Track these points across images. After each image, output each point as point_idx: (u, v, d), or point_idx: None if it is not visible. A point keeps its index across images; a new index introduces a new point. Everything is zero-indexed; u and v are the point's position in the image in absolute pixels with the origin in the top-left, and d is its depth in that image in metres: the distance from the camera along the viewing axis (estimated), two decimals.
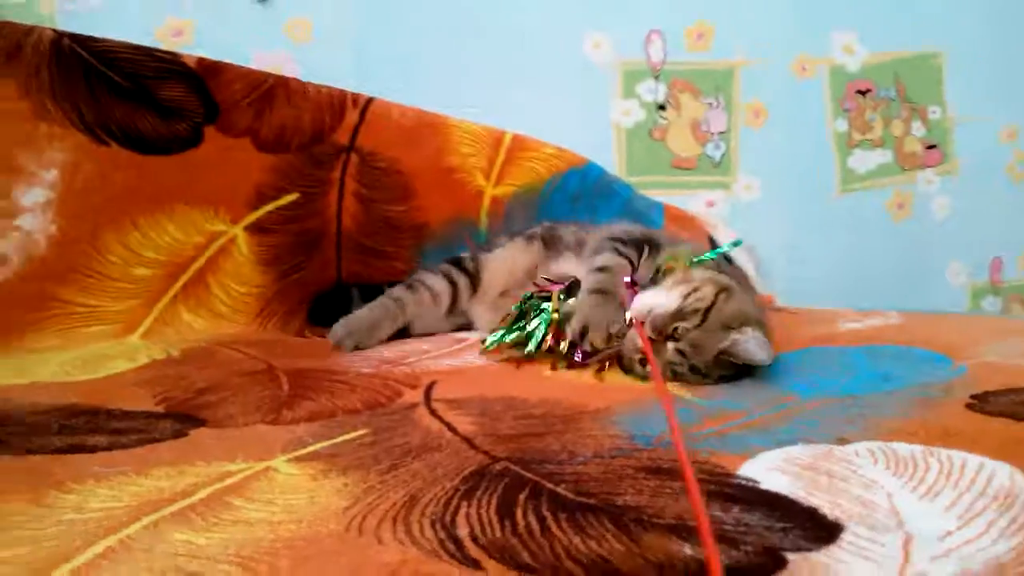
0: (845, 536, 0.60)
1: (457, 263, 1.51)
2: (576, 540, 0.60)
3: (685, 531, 0.61)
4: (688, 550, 0.58)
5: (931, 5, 2.11)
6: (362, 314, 1.38)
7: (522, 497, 0.69)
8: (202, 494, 0.70)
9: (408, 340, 1.42)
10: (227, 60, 1.51)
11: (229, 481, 0.73)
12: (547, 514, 0.65)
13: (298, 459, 0.80)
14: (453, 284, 1.48)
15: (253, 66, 1.64)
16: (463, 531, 0.62)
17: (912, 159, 2.13)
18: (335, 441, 0.86)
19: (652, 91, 1.95)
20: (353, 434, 0.88)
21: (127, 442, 0.86)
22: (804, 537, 0.60)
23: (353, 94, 1.60)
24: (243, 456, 0.80)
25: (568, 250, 1.44)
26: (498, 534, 0.62)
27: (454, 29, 1.83)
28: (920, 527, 0.61)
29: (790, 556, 0.57)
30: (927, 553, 0.57)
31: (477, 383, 1.10)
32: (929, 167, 2.14)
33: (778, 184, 2.05)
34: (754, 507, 0.65)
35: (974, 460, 0.73)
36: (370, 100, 1.61)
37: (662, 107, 1.96)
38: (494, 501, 0.68)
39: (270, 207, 1.56)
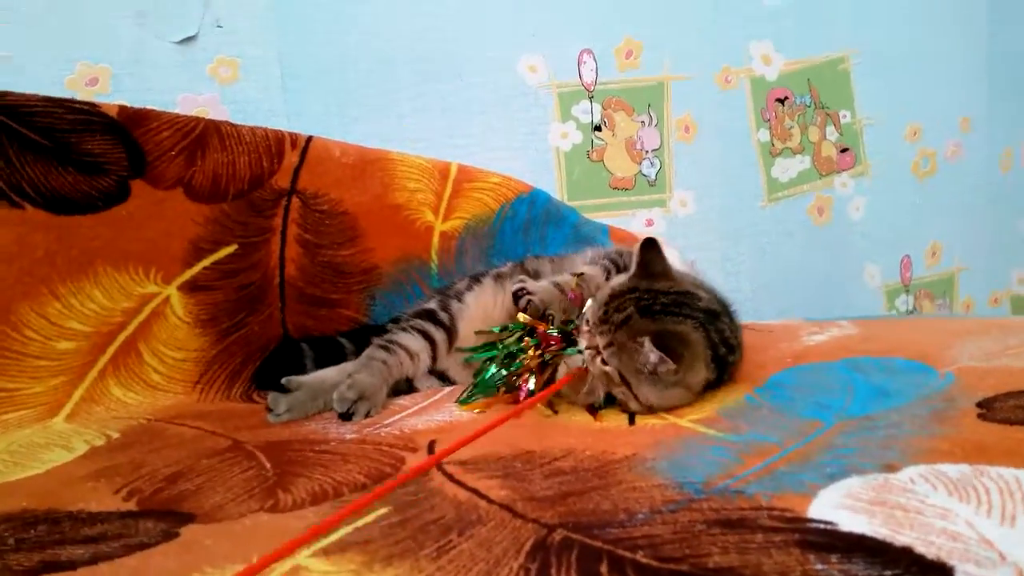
0: None
1: (430, 317, 1.41)
2: None
3: None
4: None
5: (838, 10, 2.21)
6: (363, 377, 1.23)
7: (604, 570, 0.64)
8: None
9: None
10: (150, 107, 1.38)
11: None
12: None
13: (326, 552, 0.72)
14: (431, 341, 1.38)
15: (179, 111, 1.52)
16: None
17: (828, 164, 2.23)
18: (358, 525, 0.77)
19: (587, 112, 1.94)
20: (374, 514, 0.80)
21: (111, 551, 0.75)
22: None
23: (292, 134, 1.50)
24: (258, 555, 0.71)
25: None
26: None
27: (386, 59, 1.75)
28: (1023, 558, 0.60)
29: None
30: None
31: (481, 439, 1.03)
32: (844, 171, 2.24)
33: (710, 197, 2.09)
34: (851, 554, 0.63)
35: None
36: (310, 139, 1.51)
37: (598, 128, 1.96)
38: None
39: (206, 262, 1.44)
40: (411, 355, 1.35)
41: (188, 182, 1.42)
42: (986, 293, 2.51)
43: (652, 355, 1.03)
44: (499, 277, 1.45)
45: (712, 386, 1.13)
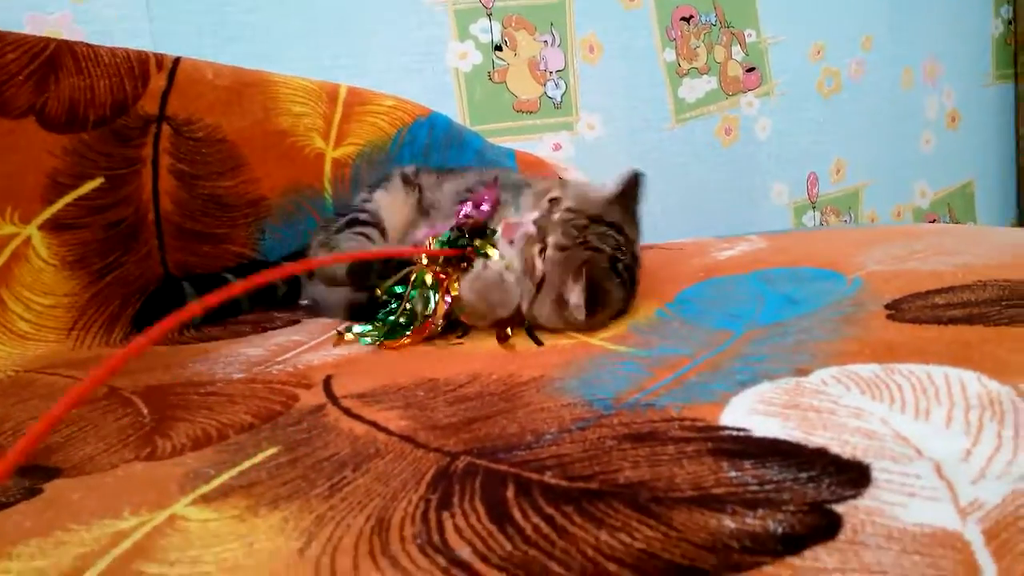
0: (876, 475, 0.56)
1: (360, 221, 1.30)
2: (604, 536, 0.52)
3: (713, 501, 0.54)
4: (730, 522, 0.52)
5: None
6: None
7: (510, 495, 0.59)
8: (100, 566, 0.54)
9: (271, 333, 1.25)
10: None
11: (127, 544, 0.58)
12: (551, 511, 0.56)
13: (206, 499, 0.65)
14: (371, 241, 1.28)
15: (27, 31, 1.34)
16: (465, 551, 0.52)
17: (735, 84, 2.21)
18: (243, 467, 0.70)
19: (487, 31, 1.84)
20: (261, 455, 0.73)
21: None
22: (838, 483, 0.55)
23: (157, 55, 1.34)
24: (131, 507, 0.63)
25: (431, 209, 1.32)
26: (508, 547, 0.52)
27: None
28: (938, 451, 0.58)
29: (838, 508, 0.52)
30: (964, 478, 0.54)
31: (380, 370, 0.97)
32: (749, 90, 2.23)
33: (618, 120, 2.03)
34: (765, 459, 0.60)
35: (937, 371, 0.73)
36: (178, 60, 1.36)
37: (498, 48, 1.86)
38: (480, 506, 0.58)
39: (69, 198, 1.29)
40: None
41: (41, 110, 1.26)
42: (889, 207, 2.59)
43: (575, 298, 1.01)
44: (407, 181, 1.38)
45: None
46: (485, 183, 1.24)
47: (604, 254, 1.06)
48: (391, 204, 1.34)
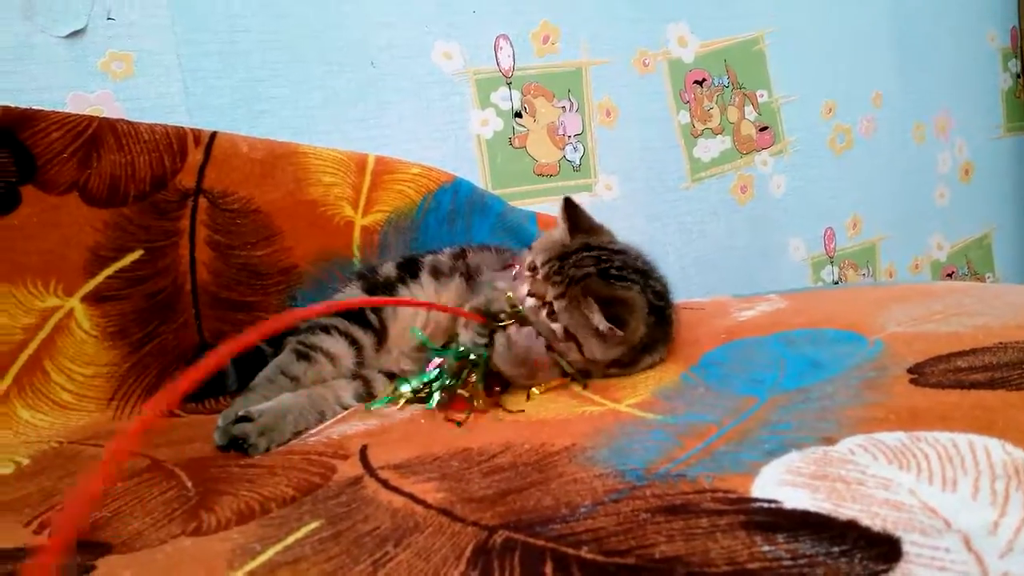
0: (906, 548, 0.57)
1: (356, 316, 1.29)
2: None
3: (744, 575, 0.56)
4: None
5: None
6: (267, 406, 1.08)
7: (548, 571, 0.61)
8: None
9: None
10: (37, 107, 1.28)
11: None
12: None
13: (253, 575, 0.67)
14: (356, 345, 1.27)
15: (69, 110, 1.41)
16: None
17: (748, 143, 2.26)
18: (287, 543, 0.73)
19: (507, 98, 1.91)
20: (305, 529, 0.75)
21: None
22: (870, 558, 0.57)
23: (194, 130, 1.41)
24: None
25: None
26: None
27: (293, 47, 1.66)
28: (967, 523, 0.60)
29: None
30: (993, 551, 0.56)
31: (415, 439, 0.99)
32: (763, 149, 2.27)
33: (635, 180, 2.08)
34: (797, 532, 0.61)
35: (962, 439, 0.74)
36: (214, 135, 1.43)
37: (518, 114, 1.92)
38: None
39: (110, 271, 1.34)
40: (333, 361, 1.23)
41: (84, 186, 1.32)
42: (907, 260, 2.60)
43: (602, 324, 1.06)
44: (437, 272, 1.35)
45: (659, 339, 1.17)
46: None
47: (591, 275, 1.11)
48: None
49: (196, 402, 1.34)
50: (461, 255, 1.40)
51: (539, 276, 1.12)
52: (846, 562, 0.56)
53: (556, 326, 1.09)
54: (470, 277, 1.34)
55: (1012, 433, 0.73)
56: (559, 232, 1.19)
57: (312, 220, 1.52)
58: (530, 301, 1.11)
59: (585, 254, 1.13)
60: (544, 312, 1.10)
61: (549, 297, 1.10)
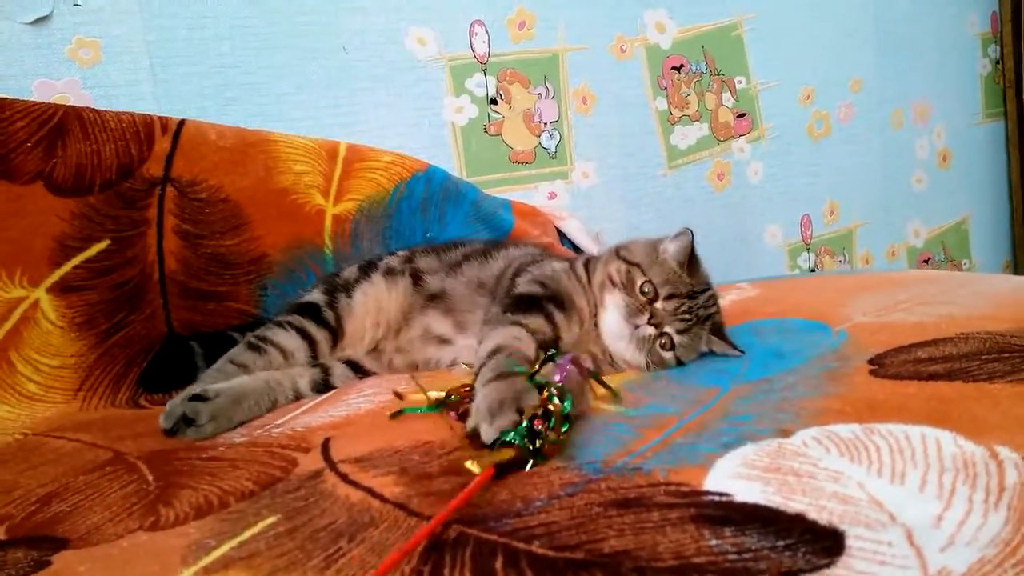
0: (849, 542, 0.58)
1: (312, 313, 1.32)
2: None
3: (692, 571, 0.56)
4: None
5: None
6: (224, 386, 1.10)
7: (498, 566, 0.61)
8: None
9: None
10: (1, 95, 1.26)
11: None
12: None
13: (207, 571, 0.67)
14: (310, 340, 1.29)
15: (35, 98, 1.39)
16: None
17: (726, 129, 2.25)
18: (243, 538, 0.72)
19: (482, 85, 1.89)
20: (261, 524, 0.75)
21: None
22: (813, 552, 0.57)
23: (161, 118, 1.39)
24: None
25: (444, 297, 1.34)
26: None
27: (264, 36, 1.64)
28: (911, 517, 0.61)
29: None
30: (934, 545, 0.57)
31: (378, 432, 0.99)
32: (741, 136, 2.27)
33: (612, 168, 2.07)
34: (745, 526, 0.62)
35: (914, 431, 0.75)
36: (182, 123, 1.40)
37: (493, 101, 1.90)
38: None
39: (76, 261, 1.33)
40: (285, 354, 1.26)
41: (49, 175, 1.30)
42: (884, 246, 2.61)
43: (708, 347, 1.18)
44: (390, 273, 1.39)
45: None
46: (516, 267, 1.31)
47: (712, 317, 1.19)
48: (373, 304, 1.36)
49: (163, 393, 1.34)
50: (409, 259, 1.44)
51: (659, 306, 1.15)
52: (790, 556, 0.57)
53: (668, 355, 1.14)
54: (417, 279, 1.38)
55: (965, 426, 0.74)
56: (673, 261, 1.21)
57: (282, 209, 1.51)
58: (644, 332, 1.13)
59: (709, 292, 1.21)
60: (659, 343, 1.14)
61: (669, 330, 1.14)
